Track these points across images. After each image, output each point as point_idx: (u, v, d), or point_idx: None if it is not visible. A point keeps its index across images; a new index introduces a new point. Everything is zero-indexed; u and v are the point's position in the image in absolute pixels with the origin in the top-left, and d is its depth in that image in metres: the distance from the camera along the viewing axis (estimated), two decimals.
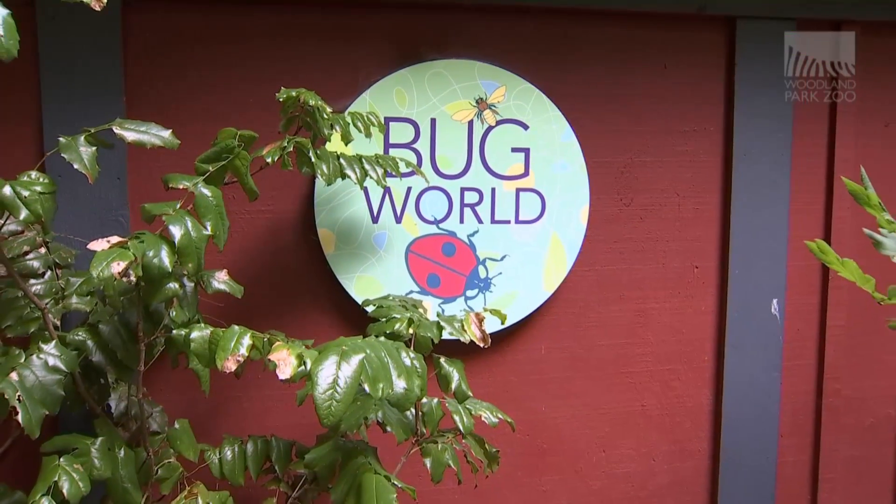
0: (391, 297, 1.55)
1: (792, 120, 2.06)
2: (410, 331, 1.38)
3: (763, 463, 2.12)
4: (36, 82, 1.65)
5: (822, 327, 2.15)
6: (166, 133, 1.27)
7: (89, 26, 1.64)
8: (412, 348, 1.36)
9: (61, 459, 1.26)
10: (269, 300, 1.80)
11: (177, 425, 1.50)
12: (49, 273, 1.51)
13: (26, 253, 1.51)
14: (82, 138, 1.23)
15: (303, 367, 1.10)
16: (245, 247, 1.78)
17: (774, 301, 2.08)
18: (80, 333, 1.36)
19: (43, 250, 1.53)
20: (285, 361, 1.09)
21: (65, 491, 1.22)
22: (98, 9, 1.10)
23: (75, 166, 1.19)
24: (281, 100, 1.38)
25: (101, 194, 1.68)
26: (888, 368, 2.20)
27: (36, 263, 1.50)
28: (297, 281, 1.83)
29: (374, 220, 1.81)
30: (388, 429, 1.42)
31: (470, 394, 1.40)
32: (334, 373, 1.06)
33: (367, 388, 1.07)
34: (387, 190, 1.80)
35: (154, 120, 1.33)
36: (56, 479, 1.23)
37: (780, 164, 2.05)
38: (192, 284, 1.39)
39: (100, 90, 1.66)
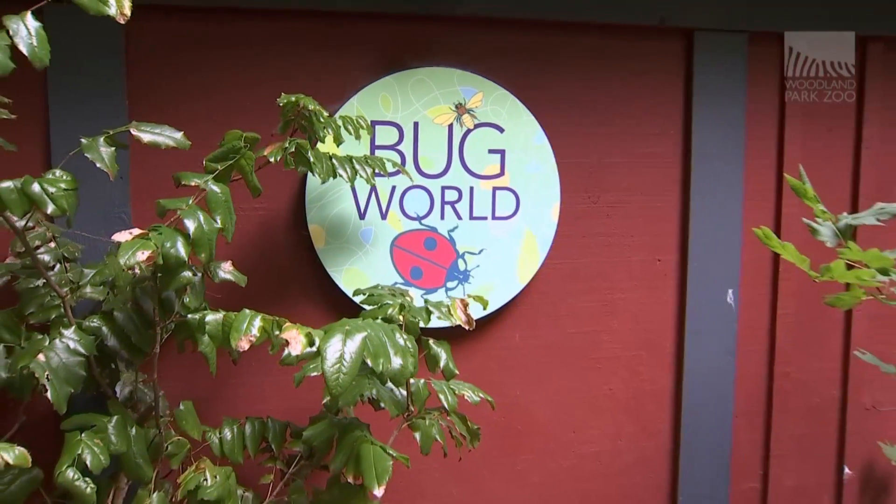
0: (381, 287, 1.68)
1: (745, 124, 2.20)
2: (401, 315, 1.51)
3: (719, 441, 2.27)
4: (43, 84, 1.75)
5: (772, 315, 2.29)
6: (178, 134, 1.38)
7: (94, 32, 1.74)
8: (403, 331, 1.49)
9: (83, 435, 1.37)
10: (264, 291, 1.91)
11: (182, 406, 1.60)
12: (59, 266, 1.61)
13: (38, 247, 1.61)
14: (102, 139, 1.33)
15: (311, 346, 1.23)
16: (241, 242, 1.89)
17: (730, 291, 2.22)
18: (94, 320, 1.46)
19: (53, 244, 1.63)
20: (296, 339, 1.22)
21: (88, 462, 1.33)
22: (122, 21, 1.22)
23: (97, 165, 1.30)
24: (281, 104, 1.50)
25: (104, 193, 1.78)
26: (831, 353, 2.35)
27: (47, 257, 1.60)
28: (290, 273, 1.94)
29: (362, 216, 1.93)
30: (382, 405, 1.54)
31: (456, 371, 1.53)
32: (340, 349, 1.19)
33: (369, 362, 1.20)
34: (373, 188, 1.92)
35: (154, 120, 1.41)
36: (79, 452, 1.34)
37: (735, 164, 2.20)
38: (200, 275, 1.51)
39: (103, 92, 1.76)
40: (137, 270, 1.37)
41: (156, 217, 1.37)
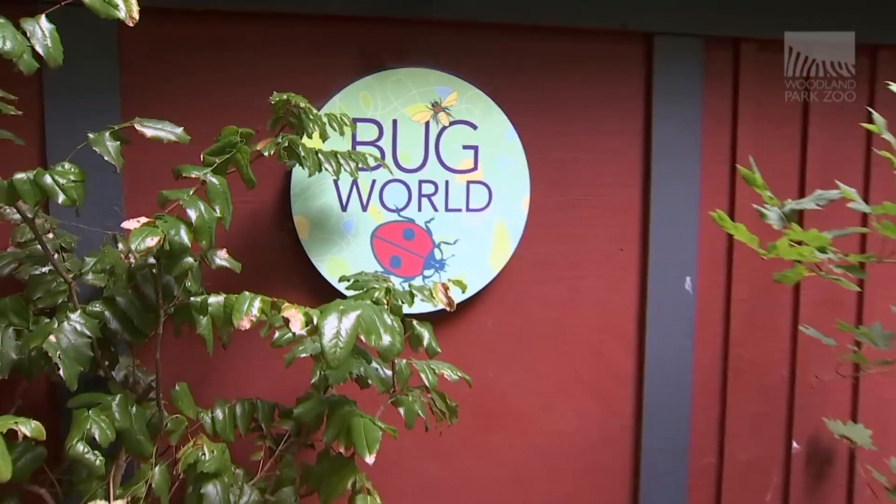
0: (365, 273, 1.79)
1: (701, 122, 2.33)
2: (386, 299, 1.62)
3: (678, 419, 2.40)
4: (39, 83, 1.82)
5: (727, 301, 2.43)
6: (179, 130, 1.47)
7: (89, 34, 1.81)
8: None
9: (90, 412, 1.46)
10: (251, 280, 1.99)
11: (177, 387, 1.69)
12: (56, 255, 1.69)
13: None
14: (107, 134, 1.42)
15: (309, 324, 1.33)
16: (229, 233, 1.98)
17: (688, 279, 2.35)
18: (97, 305, 1.55)
19: (51, 235, 1.71)
20: (295, 317, 1.32)
21: (97, 436, 1.42)
22: (131, 24, 1.31)
23: (105, 158, 1.39)
24: (273, 102, 1.60)
25: (98, 187, 1.85)
26: (781, 335, 2.50)
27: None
28: (276, 263, 2.03)
29: (344, 208, 2.03)
30: (370, 382, 1.65)
31: (439, 350, 1.65)
32: (337, 325, 1.29)
33: (363, 338, 1.31)
34: (354, 182, 2.03)
35: (144, 117, 1.50)
36: (88, 427, 1.43)
37: (691, 160, 2.33)
38: (197, 262, 1.60)
39: (98, 91, 1.84)
40: (132, 259, 1.47)
41: (147, 210, 1.46)
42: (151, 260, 1.59)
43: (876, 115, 1.67)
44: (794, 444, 2.54)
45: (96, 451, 1.41)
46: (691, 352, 2.40)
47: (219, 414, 1.75)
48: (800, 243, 1.61)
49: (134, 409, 1.56)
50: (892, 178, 1.73)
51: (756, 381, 2.50)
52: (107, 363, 1.65)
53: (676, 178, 2.33)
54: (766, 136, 2.43)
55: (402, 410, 1.66)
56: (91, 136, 1.41)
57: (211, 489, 1.57)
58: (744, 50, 2.37)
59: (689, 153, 2.34)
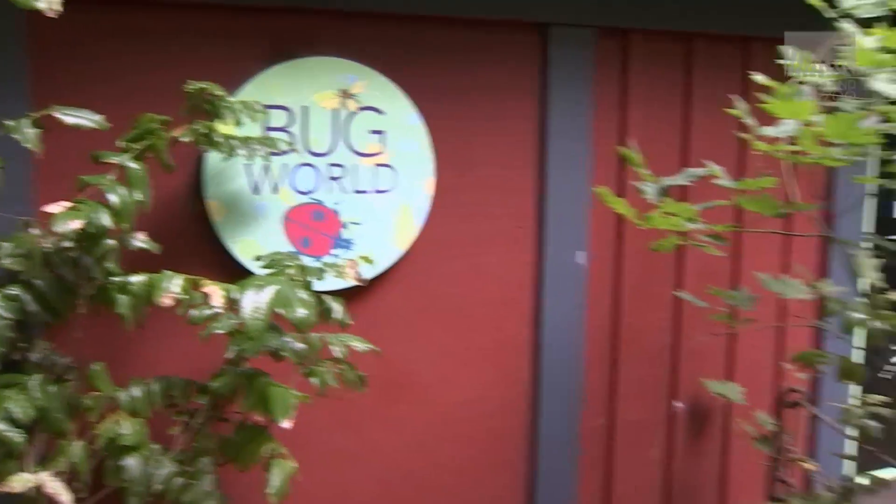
0: (278, 253, 1.88)
1: (593, 107, 2.49)
2: (299, 276, 1.73)
3: (573, 384, 2.58)
4: None
5: (616, 273, 2.62)
6: (98, 117, 1.53)
7: None
8: None
9: (9, 391, 1.51)
10: (165, 261, 2.02)
11: (94, 367, 1.74)
12: None
13: None
14: (28, 121, 1.47)
15: (228, 298, 1.42)
16: (144, 216, 2.01)
17: (580, 253, 2.52)
18: (13, 288, 1.59)
19: None
20: (215, 293, 1.41)
21: (20, 415, 1.47)
22: (53, 15, 1.35)
23: (26, 145, 1.43)
24: (189, 90, 1.67)
25: (10, 174, 1.85)
26: (664, 305, 2.71)
27: None
28: (188, 245, 2.08)
29: (256, 191, 2.10)
30: (284, 354, 1.75)
31: (350, 322, 1.77)
32: (256, 299, 1.39)
33: (280, 311, 1.41)
34: (265, 166, 2.10)
35: (54, 104, 1.54)
36: (8, 406, 1.47)
37: (583, 142, 2.50)
38: (116, 244, 1.66)
39: (7, 79, 1.84)
40: (49, 244, 1.52)
41: (59, 196, 1.50)
42: (67, 243, 1.64)
43: (739, 102, 1.87)
44: (677, 403, 2.76)
45: (18, 429, 1.46)
46: (584, 321, 2.58)
47: (136, 391, 1.79)
48: (673, 215, 1.81)
49: (52, 388, 1.61)
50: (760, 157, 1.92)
51: (643, 347, 2.70)
52: (24, 345, 1.69)
53: (570, 159, 2.49)
54: (652, 120, 2.61)
55: (314, 380, 1.77)
56: (10, 123, 1.45)
57: (131, 461, 1.64)
58: (632, 40, 2.55)
59: (582, 136, 2.50)
